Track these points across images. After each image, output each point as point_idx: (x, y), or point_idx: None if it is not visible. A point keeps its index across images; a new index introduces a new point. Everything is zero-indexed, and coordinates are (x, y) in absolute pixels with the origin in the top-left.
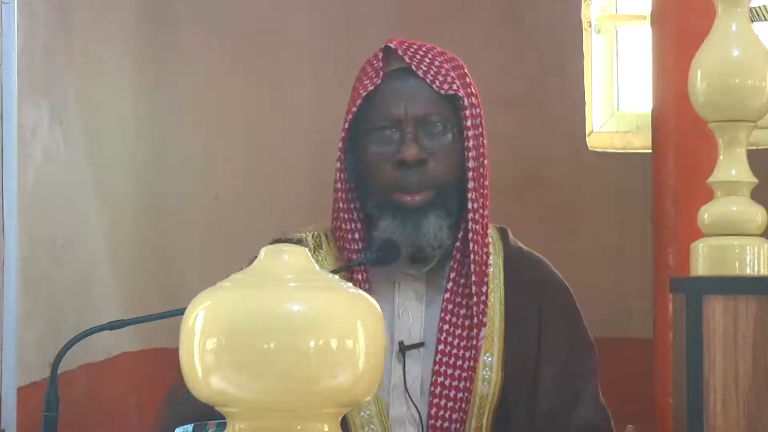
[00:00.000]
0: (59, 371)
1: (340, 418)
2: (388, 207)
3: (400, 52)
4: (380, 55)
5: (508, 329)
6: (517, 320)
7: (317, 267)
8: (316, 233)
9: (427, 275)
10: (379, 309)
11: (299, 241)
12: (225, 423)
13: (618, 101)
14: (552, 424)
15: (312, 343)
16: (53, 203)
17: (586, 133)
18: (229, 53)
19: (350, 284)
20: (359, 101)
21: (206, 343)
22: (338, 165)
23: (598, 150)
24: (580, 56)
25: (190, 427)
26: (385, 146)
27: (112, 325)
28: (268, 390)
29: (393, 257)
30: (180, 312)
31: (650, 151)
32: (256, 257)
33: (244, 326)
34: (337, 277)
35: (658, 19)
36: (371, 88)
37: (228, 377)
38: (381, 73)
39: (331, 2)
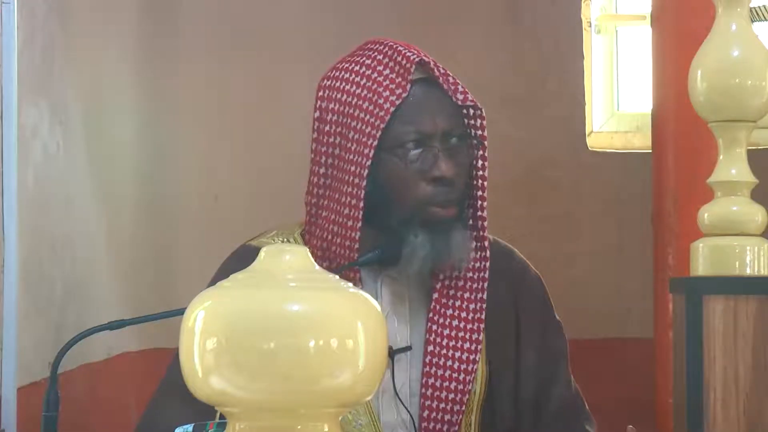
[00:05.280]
0: (59, 371)
1: (340, 418)
2: (415, 222)
3: (431, 63)
4: (410, 67)
5: (487, 322)
6: (495, 313)
7: (317, 267)
8: (283, 239)
9: (410, 276)
10: (380, 309)
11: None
12: (225, 423)
13: (618, 101)
14: (532, 407)
15: (312, 343)
16: (53, 203)
17: (586, 133)
18: (229, 53)
19: (350, 284)
20: (386, 116)
21: (206, 343)
22: (356, 181)
23: (598, 150)
24: (580, 56)
25: (189, 427)
26: (414, 161)
27: (112, 325)
28: (268, 390)
29: (393, 258)
30: (180, 312)
31: (650, 151)
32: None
33: (244, 326)
34: (337, 277)
35: (658, 19)
36: (398, 102)
37: (228, 377)
38: (409, 85)
39: (331, 2)
